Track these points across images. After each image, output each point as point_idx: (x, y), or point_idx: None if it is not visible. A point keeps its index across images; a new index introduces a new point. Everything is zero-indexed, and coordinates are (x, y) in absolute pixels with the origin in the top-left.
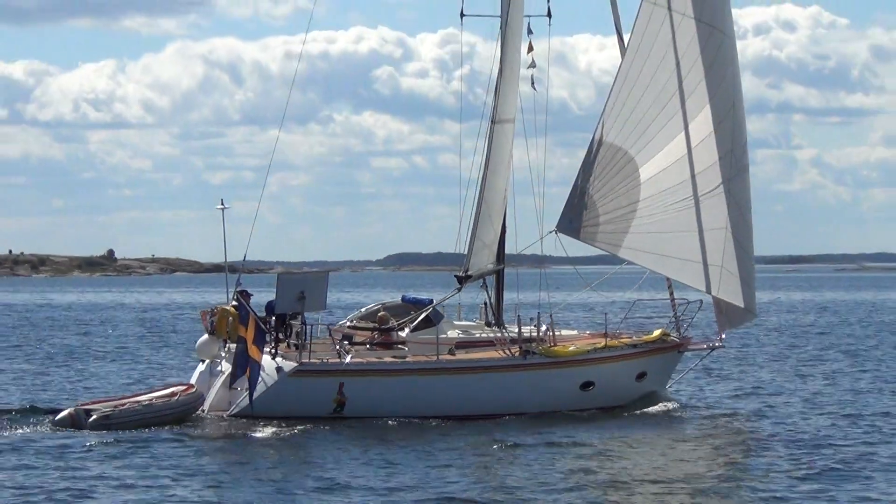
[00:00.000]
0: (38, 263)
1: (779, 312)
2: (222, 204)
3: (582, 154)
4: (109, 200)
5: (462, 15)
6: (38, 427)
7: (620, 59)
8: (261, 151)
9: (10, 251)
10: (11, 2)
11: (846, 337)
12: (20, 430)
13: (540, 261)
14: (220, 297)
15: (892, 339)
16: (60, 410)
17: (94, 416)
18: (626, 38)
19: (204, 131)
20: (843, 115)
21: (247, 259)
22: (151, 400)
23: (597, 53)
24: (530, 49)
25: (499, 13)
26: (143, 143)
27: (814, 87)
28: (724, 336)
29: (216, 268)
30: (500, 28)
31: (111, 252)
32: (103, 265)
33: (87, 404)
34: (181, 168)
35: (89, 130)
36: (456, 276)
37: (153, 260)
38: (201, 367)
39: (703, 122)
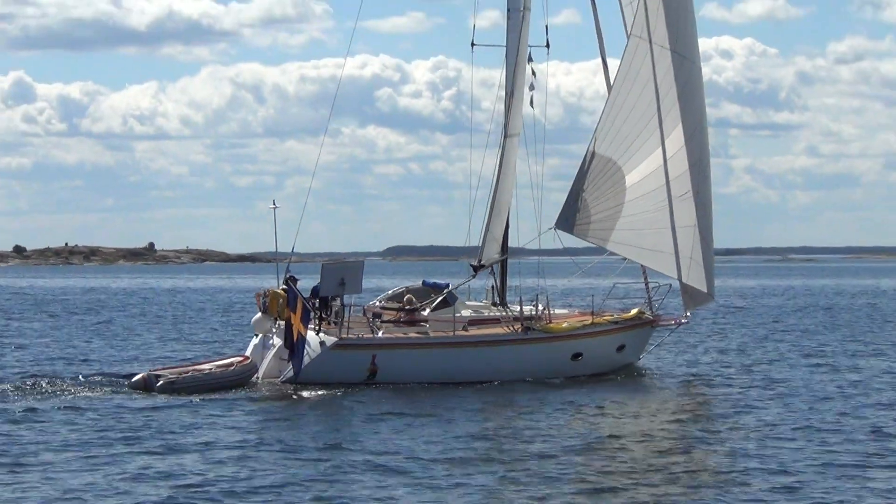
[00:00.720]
0: (89, 254)
1: (730, 296)
2: (274, 204)
3: (552, 162)
4: (151, 200)
5: (473, 45)
6: (116, 388)
7: (605, 83)
8: (279, 159)
9: (66, 243)
10: (70, 32)
11: (786, 316)
12: (101, 391)
13: (534, 253)
14: (246, 282)
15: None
16: (135, 375)
17: (161, 381)
18: (610, 63)
19: (232, 142)
20: (773, 129)
21: (268, 251)
22: (211, 369)
23: (563, 77)
24: (532, 73)
25: (503, 43)
26: (180, 152)
27: (748, 106)
28: (688, 314)
29: (240, 258)
30: (506, 57)
31: (151, 244)
32: (144, 256)
33: (157, 370)
34: (213, 173)
35: (135, 141)
36: (472, 265)
37: (187, 251)
38: (255, 340)
39: (676, 138)
